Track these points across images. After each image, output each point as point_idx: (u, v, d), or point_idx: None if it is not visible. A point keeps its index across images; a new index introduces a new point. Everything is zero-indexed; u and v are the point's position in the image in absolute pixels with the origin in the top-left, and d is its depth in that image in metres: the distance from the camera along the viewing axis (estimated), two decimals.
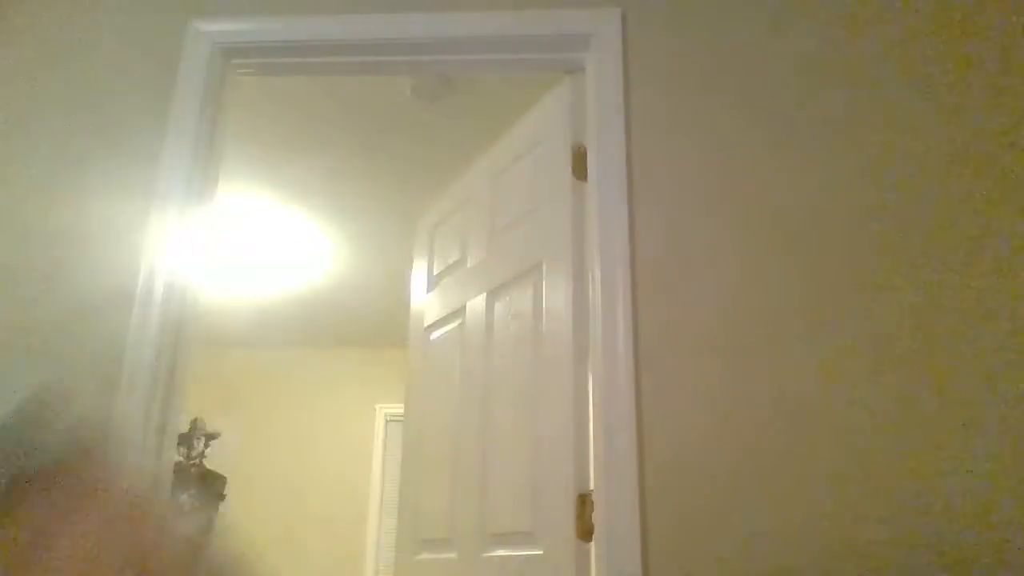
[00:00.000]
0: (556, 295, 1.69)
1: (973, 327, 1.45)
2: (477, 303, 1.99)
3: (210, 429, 5.32)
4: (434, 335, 2.21)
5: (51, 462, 0.36)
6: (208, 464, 5.24)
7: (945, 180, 1.55)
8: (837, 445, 1.41)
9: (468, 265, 2.08)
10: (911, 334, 1.46)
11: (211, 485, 5.19)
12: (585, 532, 1.46)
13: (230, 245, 3.90)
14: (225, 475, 5.21)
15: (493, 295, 1.94)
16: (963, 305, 1.47)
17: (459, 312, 2.08)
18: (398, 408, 5.10)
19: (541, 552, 1.56)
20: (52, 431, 0.37)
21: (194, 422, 5.31)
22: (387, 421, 5.35)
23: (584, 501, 1.48)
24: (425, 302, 2.29)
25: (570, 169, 1.72)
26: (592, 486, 1.48)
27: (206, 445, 5.28)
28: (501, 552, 1.69)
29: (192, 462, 5.24)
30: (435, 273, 2.27)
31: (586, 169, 1.67)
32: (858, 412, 1.43)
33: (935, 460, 1.38)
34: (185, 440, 5.27)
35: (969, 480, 1.37)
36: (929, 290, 1.48)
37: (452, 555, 1.85)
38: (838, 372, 1.45)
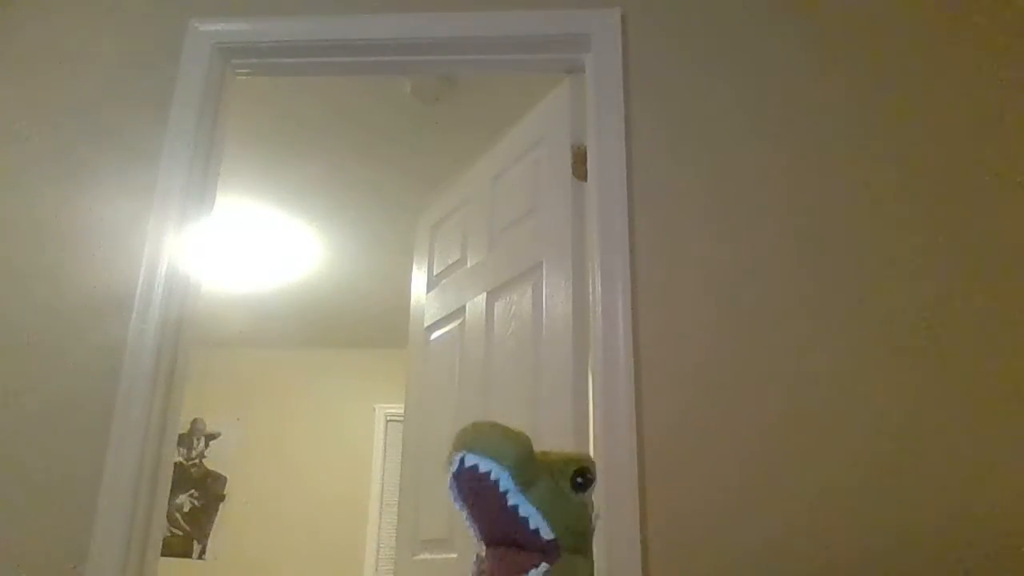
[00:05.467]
0: (556, 295, 1.69)
1: (988, 328, 1.45)
2: (477, 303, 1.99)
3: (210, 429, 5.32)
4: (434, 335, 2.21)
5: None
6: (208, 464, 5.25)
7: (963, 178, 1.55)
8: (842, 450, 1.41)
9: (468, 265, 2.08)
10: (923, 337, 1.46)
11: (211, 485, 5.19)
12: None
13: (229, 245, 3.89)
14: (225, 475, 5.21)
15: (493, 295, 1.94)
16: (978, 306, 1.47)
17: (459, 312, 2.08)
18: (398, 408, 5.05)
19: None
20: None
21: (194, 422, 5.31)
22: (387, 421, 5.34)
23: None
24: (425, 302, 2.29)
25: (570, 169, 1.72)
26: None
27: (206, 445, 5.29)
28: None
29: (192, 462, 5.24)
30: (435, 273, 2.27)
31: (586, 169, 1.67)
32: (863, 416, 1.42)
33: (943, 467, 1.38)
34: (185, 440, 5.27)
35: (985, 485, 1.37)
36: (942, 290, 1.48)
37: (452, 555, 1.85)
38: (845, 375, 1.45)
